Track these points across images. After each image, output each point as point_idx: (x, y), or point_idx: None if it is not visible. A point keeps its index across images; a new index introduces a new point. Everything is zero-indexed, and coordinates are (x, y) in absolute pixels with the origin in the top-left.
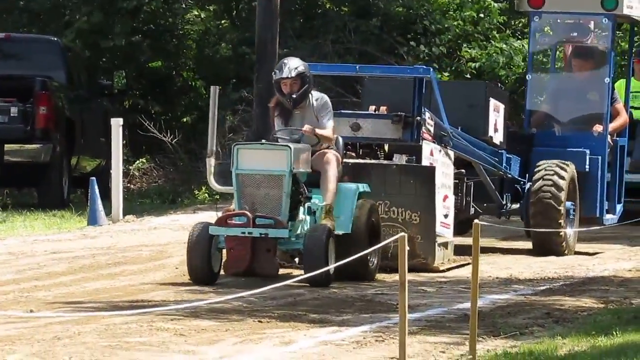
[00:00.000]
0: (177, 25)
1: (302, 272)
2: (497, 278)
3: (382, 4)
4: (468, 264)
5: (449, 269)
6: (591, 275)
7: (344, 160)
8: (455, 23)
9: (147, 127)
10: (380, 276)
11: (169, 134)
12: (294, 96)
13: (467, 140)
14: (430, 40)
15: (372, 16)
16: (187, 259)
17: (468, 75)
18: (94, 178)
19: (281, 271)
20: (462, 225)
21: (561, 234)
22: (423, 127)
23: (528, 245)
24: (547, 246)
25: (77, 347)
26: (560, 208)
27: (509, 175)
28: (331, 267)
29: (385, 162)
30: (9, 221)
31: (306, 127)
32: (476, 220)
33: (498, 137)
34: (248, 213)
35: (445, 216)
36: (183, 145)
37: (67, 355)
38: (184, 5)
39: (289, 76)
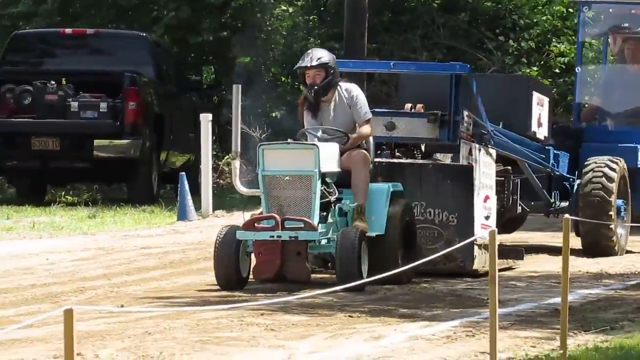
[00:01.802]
0: (265, 21)
1: (334, 276)
2: (587, 272)
3: None
4: (509, 267)
5: (487, 273)
6: None
7: (378, 159)
8: (544, 18)
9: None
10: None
11: (257, 129)
12: (315, 87)
13: (510, 137)
14: (519, 35)
15: (461, 11)
16: (214, 264)
17: (557, 70)
18: (183, 173)
19: (313, 276)
20: (508, 225)
21: (611, 227)
22: (460, 126)
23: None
24: (597, 244)
25: (167, 342)
26: (611, 208)
27: (557, 173)
28: (365, 281)
29: (421, 161)
30: (99, 217)
31: (344, 142)
32: (566, 215)
33: (542, 132)
34: (276, 216)
35: (487, 217)
36: (272, 140)
37: (158, 350)
38: (272, 0)
39: (310, 65)
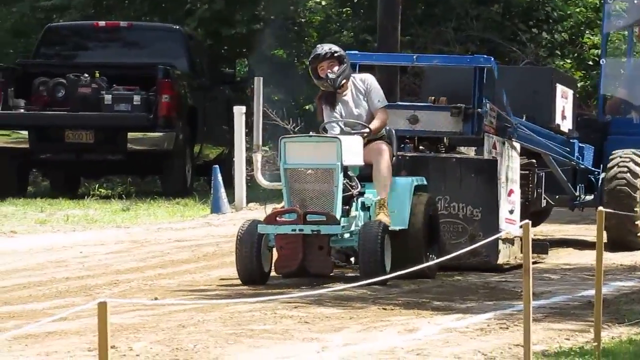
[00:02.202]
0: (298, 13)
1: (357, 271)
2: (621, 265)
3: None
4: (535, 262)
5: (513, 268)
6: None
7: (401, 153)
8: (578, 10)
9: (269, 115)
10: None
11: (291, 122)
12: (331, 75)
13: (534, 131)
14: (553, 27)
15: (494, 3)
16: (235, 259)
17: (590, 62)
18: (216, 166)
19: (335, 270)
20: (533, 218)
21: (637, 222)
22: (484, 120)
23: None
24: (622, 238)
25: (201, 335)
26: (636, 196)
27: (582, 166)
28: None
29: (445, 155)
30: (132, 209)
31: (364, 133)
32: (600, 208)
33: (566, 125)
34: (298, 209)
35: (511, 212)
36: (305, 132)
37: (192, 343)
38: None
39: (322, 53)
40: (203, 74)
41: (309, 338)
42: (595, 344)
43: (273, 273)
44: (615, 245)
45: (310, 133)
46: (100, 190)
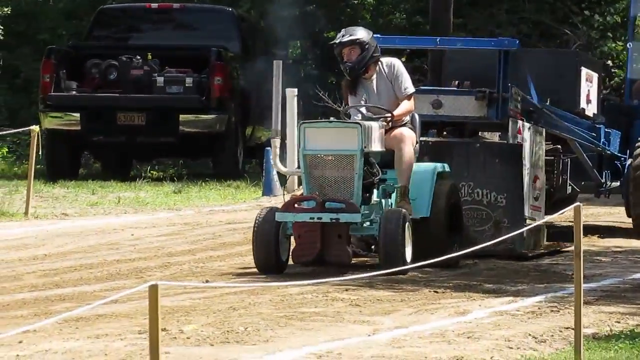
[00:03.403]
0: None
1: (377, 260)
2: None
3: None
4: (560, 250)
5: (538, 256)
6: None
7: (423, 138)
8: None
9: (322, 97)
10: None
11: (343, 104)
12: (349, 64)
13: (559, 115)
14: (605, 10)
15: None
16: (252, 247)
17: None
18: (269, 148)
19: (355, 259)
20: (558, 205)
21: None
22: (509, 104)
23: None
24: None
25: (252, 318)
26: None
27: (608, 152)
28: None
29: (468, 140)
30: (184, 192)
31: (387, 120)
32: (578, 204)
33: (591, 109)
34: (317, 197)
35: (536, 198)
36: None
37: (243, 326)
38: None
39: (339, 42)
40: (256, 55)
41: (359, 321)
42: None
43: (291, 262)
44: None
45: (331, 118)
46: (151, 172)
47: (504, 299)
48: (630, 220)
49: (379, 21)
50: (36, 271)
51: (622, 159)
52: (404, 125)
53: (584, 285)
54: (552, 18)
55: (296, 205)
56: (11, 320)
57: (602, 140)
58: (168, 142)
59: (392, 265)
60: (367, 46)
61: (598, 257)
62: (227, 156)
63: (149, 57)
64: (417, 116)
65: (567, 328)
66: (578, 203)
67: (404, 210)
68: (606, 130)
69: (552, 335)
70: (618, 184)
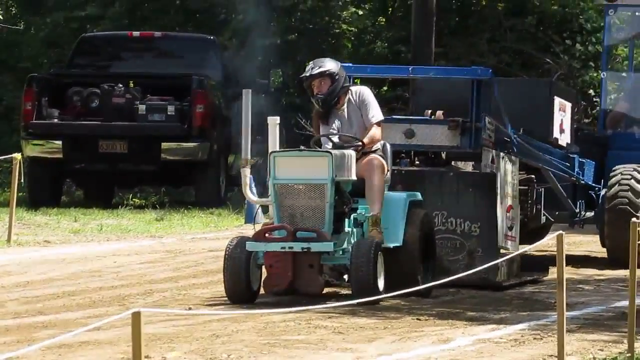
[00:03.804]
0: (333, 24)
1: (350, 289)
2: None
3: (537, 2)
4: (535, 279)
5: (512, 286)
6: None
7: (397, 167)
8: None
9: (303, 126)
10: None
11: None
12: (321, 96)
13: (533, 145)
14: (586, 39)
15: (528, 14)
16: (223, 276)
17: (624, 74)
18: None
19: (328, 289)
20: (532, 235)
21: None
22: (482, 133)
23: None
24: (623, 257)
25: (235, 345)
26: (637, 217)
27: (582, 182)
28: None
29: (442, 169)
30: (166, 219)
31: (357, 147)
32: (633, 219)
33: (565, 139)
34: (288, 226)
35: (510, 228)
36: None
37: (226, 353)
38: (340, 3)
39: (309, 75)
40: (237, 84)
41: (343, 348)
42: (629, 354)
43: (262, 291)
44: (617, 262)
45: (301, 147)
46: (134, 200)
47: (487, 327)
48: (604, 249)
49: (360, 50)
50: (19, 298)
51: (597, 189)
52: (375, 153)
53: (566, 313)
54: (534, 47)
55: (267, 235)
56: None
57: (576, 170)
58: (150, 170)
59: (364, 294)
60: (337, 77)
61: (580, 285)
62: (209, 184)
63: (131, 85)
64: (388, 145)
65: (550, 356)
66: (560, 232)
67: (375, 239)
68: (580, 160)
69: None
70: (592, 214)
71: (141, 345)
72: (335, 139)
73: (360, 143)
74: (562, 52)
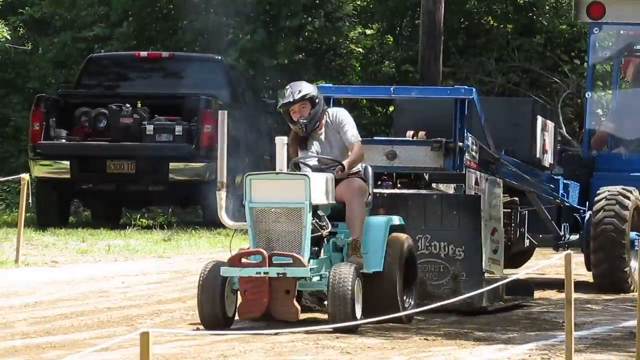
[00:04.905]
0: (340, 44)
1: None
2: None
3: (545, 22)
4: (519, 304)
5: (497, 310)
6: None
7: (378, 190)
8: None
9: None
10: (545, 293)
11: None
12: (304, 120)
13: (517, 166)
14: None
15: (536, 34)
16: (197, 302)
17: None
18: None
19: (305, 315)
20: (516, 259)
21: (626, 269)
22: (466, 154)
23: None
24: (611, 283)
25: None
26: (624, 242)
27: (567, 204)
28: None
29: (425, 191)
30: (174, 239)
31: (338, 171)
32: (569, 251)
33: (547, 159)
34: (263, 251)
35: (495, 251)
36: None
37: None
38: (347, 24)
39: (292, 100)
40: (245, 104)
41: None
42: None
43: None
44: (602, 283)
45: (277, 170)
46: (141, 220)
47: (495, 347)
48: (589, 272)
49: (368, 69)
50: (27, 319)
51: (581, 211)
52: (356, 174)
53: (574, 333)
54: (542, 66)
55: (242, 260)
56: None
57: (560, 191)
58: (158, 190)
59: (341, 321)
60: (317, 100)
61: (589, 305)
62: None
63: (139, 105)
64: (369, 168)
65: None
66: (569, 251)
67: (354, 264)
68: (565, 181)
69: None
70: (577, 236)
71: None
72: (314, 161)
73: (340, 165)
74: (570, 71)
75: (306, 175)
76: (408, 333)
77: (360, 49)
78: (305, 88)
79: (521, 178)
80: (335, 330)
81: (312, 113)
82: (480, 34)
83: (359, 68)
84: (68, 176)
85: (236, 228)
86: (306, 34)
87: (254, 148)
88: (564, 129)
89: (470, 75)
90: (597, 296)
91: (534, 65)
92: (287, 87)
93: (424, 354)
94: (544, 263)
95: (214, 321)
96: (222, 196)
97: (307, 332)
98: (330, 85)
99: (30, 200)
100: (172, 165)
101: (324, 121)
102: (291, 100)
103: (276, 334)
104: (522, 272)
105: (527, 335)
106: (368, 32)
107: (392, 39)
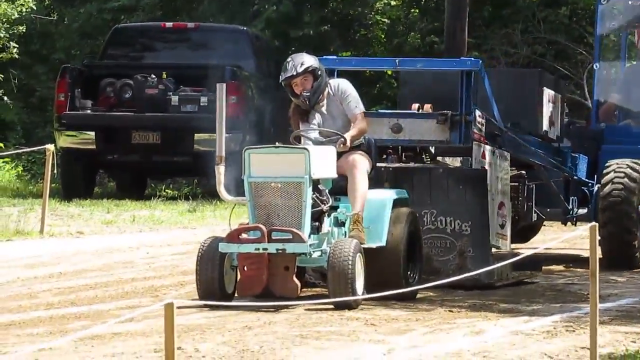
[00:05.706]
0: (366, 15)
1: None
2: None
3: None
4: (527, 280)
5: (505, 286)
6: None
7: (383, 164)
8: None
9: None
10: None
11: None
12: (307, 94)
13: (524, 139)
14: None
15: (562, 5)
16: (195, 279)
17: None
18: None
19: (310, 290)
20: (523, 233)
21: (634, 243)
22: (472, 127)
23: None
24: (620, 257)
25: (267, 337)
26: (632, 215)
27: (575, 177)
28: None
29: (430, 165)
30: (199, 210)
31: (340, 143)
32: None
33: (554, 132)
34: (262, 226)
35: (502, 226)
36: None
37: (258, 345)
38: None
39: (295, 73)
40: (270, 75)
41: (375, 340)
42: None
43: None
44: (611, 257)
45: (277, 143)
46: (166, 191)
47: (519, 319)
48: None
49: (393, 41)
50: (52, 289)
51: (590, 184)
52: (359, 147)
53: (599, 305)
54: (567, 38)
55: (241, 236)
56: (27, 338)
57: (568, 165)
58: (183, 161)
59: (341, 296)
60: (319, 72)
61: (613, 277)
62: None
63: (164, 76)
64: (372, 140)
65: (582, 348)
66: (594, 223)
67: (355, 240)
68: (573, 155)
69: (568, 355)
70: (585, 210)
71: (174, 336)
72: (316, 134)
73: (342, 138)
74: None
75: (305, 149)
76: (432, 305)
77: (386, 20)
78: (307, 60)
79: (529, 151)
80: (335, 306)
81: (315, 86)
82: (506, 5)
83: (384, 39)
84: (93, 147)
85: (236, 202)
86: (332, 4)
87: (278, 119)
88: (589, 101)
89: (495, 46)
90: (622, 268)
91: (559, 37)
92: (288, 59)
93: (448, 325)
94: (568, 235)
95: (212, 299)
96: (220, 171)
97: (332, 303)
98: (334, 57)
99: (55, 171)
100: (197, 136)
101: (325, 93)
102: (294, 73)
103: (302, 305)
104: (541, 247)
105: (551, 307)
106: (393, 2)
107: (417, 10)
